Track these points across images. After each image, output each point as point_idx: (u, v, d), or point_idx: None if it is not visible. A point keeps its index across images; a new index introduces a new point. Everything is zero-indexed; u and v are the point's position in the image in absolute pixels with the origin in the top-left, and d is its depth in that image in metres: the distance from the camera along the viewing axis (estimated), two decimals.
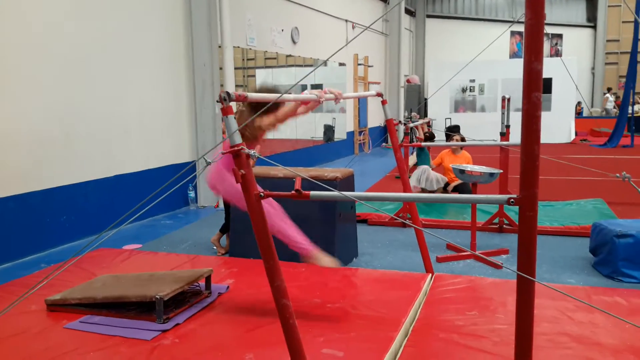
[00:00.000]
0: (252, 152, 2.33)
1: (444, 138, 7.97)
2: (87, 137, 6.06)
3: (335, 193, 2.41)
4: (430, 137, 8.44)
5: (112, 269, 4.40)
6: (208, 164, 2.47)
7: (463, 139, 8.01)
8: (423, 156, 8.20)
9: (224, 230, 5.37)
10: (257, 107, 3.03)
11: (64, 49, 5.74)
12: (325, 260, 3.47)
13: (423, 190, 7.44)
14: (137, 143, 6.82)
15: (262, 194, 2.34)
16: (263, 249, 2.37)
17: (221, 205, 5.97)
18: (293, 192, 2.40)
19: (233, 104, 2.35)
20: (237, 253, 4.92)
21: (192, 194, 7.66)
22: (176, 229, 6.42)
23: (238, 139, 2.26)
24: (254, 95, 2.67)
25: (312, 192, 2.41)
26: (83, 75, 5.98)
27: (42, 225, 5.58)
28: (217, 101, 2.18)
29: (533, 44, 1.88)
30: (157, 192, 2.55)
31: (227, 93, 2.23)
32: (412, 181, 7.47)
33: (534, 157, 1.92)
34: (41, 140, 5.53)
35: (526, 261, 1.96)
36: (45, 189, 5.59)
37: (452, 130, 7.87)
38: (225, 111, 2.25)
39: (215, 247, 5.39)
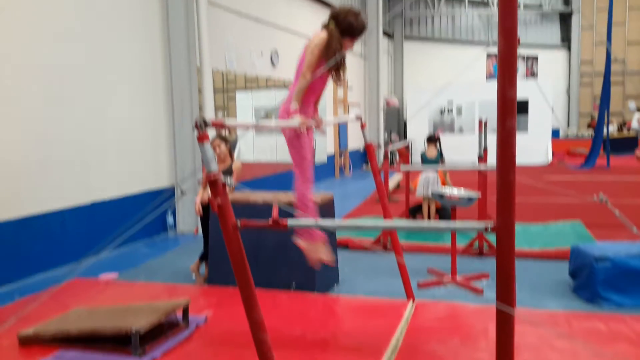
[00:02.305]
0: (228, 180, 2.30)
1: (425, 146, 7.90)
2: (63, 163, 5.96)
3: (312, 222, 2.38)
4: (432, 138, 8.17)
5: (87, 301, 4.29)
6: (183, 192, 2.43)
7: (440, 148, 7.91)
8: (429, 162, 7.81)
9: (203, 258, 5.28)
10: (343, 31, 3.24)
11: (39, 74, 5.67)
12: (323, 251, 3.31)
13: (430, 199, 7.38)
14: (115, 169, 6.72)
15: (238, 224, 2.31)
16: (240, 280, 2.33)
17: (200, 232, 5.88)
18: (270, 221, 2.37)
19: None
20: (216, 280, 4.84)
21: (170, 219, 7.56)
22: (154, 257, 6.31)
23: (214, 167, 2.22)
24: (231, 122, 2.65)
25: (290, 221, 2.38)
26: (59, 100, 5.90)
27: (16, 255, 5.44)
28: (193, 128, 2.14)
29: (506, 71, 1.88)
30: (135, 222, 2.50)
31: (204, 120, 2.19)
32: (420, 191, 7.46)
33: (510, 184, 1.92)
34: (16, 167, 5.41)
35: (505, 290, 1.95)
36: (19, 217, 5.46)
37: (431, 139, 7.85)
38: (201, 138, 2.21)
39: (194, 275, 5.29)
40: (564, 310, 4.11)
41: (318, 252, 3.28)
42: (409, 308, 3.90)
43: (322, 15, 13.19)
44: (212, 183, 2.19)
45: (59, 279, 5.21)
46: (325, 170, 13.87)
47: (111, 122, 6.65)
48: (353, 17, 3.28)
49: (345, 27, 3.26)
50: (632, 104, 21.18)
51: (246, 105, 11.10)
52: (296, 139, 3.33)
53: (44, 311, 3.92)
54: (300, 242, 3.25)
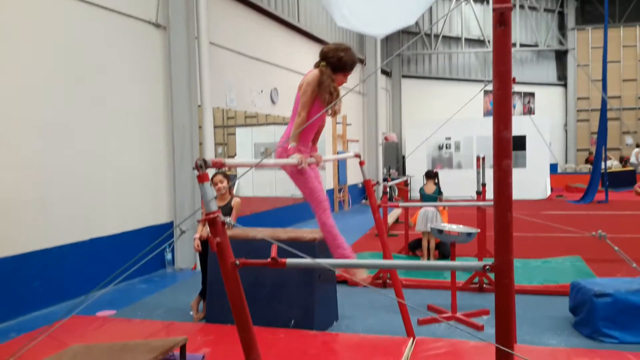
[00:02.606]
0: (227, 219, 2.32)
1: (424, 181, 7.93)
2: (63, 200, 5.98)
3: (311, 261, 2.38)
4: (430, 174, 8.14)
5: (84, 338, 4.25)
6: (183, 232, 2.45)
7: (437, 183, 7.88)
8: (428, 198, 7.77)
9: (203, 294, 5.25)
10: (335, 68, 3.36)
11: (41, 113, 5.75)
12: (360, 273, 3.57)
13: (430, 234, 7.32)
14: (114, 205, 6.74)
15: (237, 262, 2.32)
16: (238, 319, 2.32)
17: (199, 268, 5.87)
18: (269, 260, 2.37)
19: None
20: (214, 318, 4.80)
21: (169, 256, 7.54)
22: (152, 294, 6.27)
23: (214, 207, 2.24)
24: (230, 162, 2.68)
25: (289, 260, 2.38)
26: (60, 137, 5.96)
27: (14, 292, 5.41)
28: (193, 168, 2.17)
29: (502, 113, 1.92)
30: (134, 260, 2.51)
31: (204, 160, 2.22)
32: (419, 226, 7.42)
33: (507, 224, 1.93)
34: (15, 203, 5.43)
35: (504, 329, 1.94)
36: (18, 254, 5.45)
37: (429, 175, 7.87)
38: (201, 178, 2.24)
39: (192, 312, 5.25)
40: (564, 347, 4.08)
41: (356, 275, 3.50)
42: (409, 345, 3.87)
43: None
44: (212, 222, 2.20)
45: (57, 317, 5.17)
46: None
47: (111, 158, 6.70)
48: (342, 52, 3.38)
49: (335, 63, 3.36)
50: (629, 140, 21.36)
51: (246, 141, 11.18)
52: (299, 174, 3.39)
53: (42, 349, 3.88)
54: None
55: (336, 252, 3.43)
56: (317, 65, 3.42)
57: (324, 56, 3.40)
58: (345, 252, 3.42)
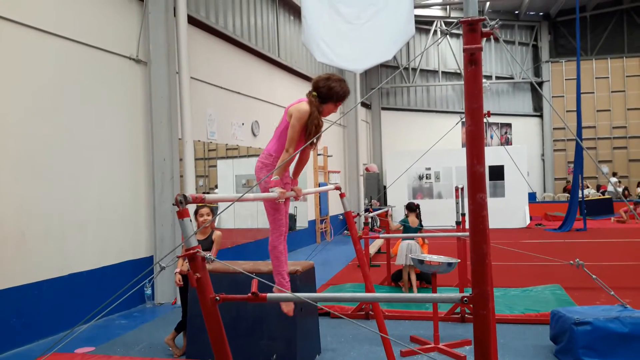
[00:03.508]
0: (207, 255, 2.32)
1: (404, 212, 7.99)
2: (42, 235, 5.90)
3: (292, 296, 2.39)
4: (412, 207, 8.15)
5: None
6: (162, 268, 2.45)
7: (419, 216, 7.92)
8: (411, 230, 7.71)
9: (179, 328, 5.18)
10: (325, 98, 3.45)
11: (20, 146, 5.71)
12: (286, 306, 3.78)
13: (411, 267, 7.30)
14: (94, 239, 6.67)
15: (217, 297, 2.31)
16: (218, 355, 2.31)
17: (178, 302, 5.80)
18: (250, 294, 2.38)
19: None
20: (194, 354, 4.73)
21: (148, 291, 7.44)
22: (131, 329, 6.17)
23: (194, 243, 2.25)
24: (211, 197, 2.70)
25: (269, 295, 2.39)
26: (39, 171, 5.91)
27: None
28: (173, 204, 2.19)
29: (474, 148, 1.97)
30: (115, 296, 2.49)
31: (184, 196, 2.24)
32: (400, 260, 7.40)
33: (483, 255, 1.97)
34: None
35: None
36: None
37: (411, 208, 7.90)
38: (181, 214, 2.25)
39: (170, 349, 5.17)
40: None
41: (284, 306, 3.72)
42: None
43: (301, 86, 13.63)
44: (192, 258, 2.21)
45: (35, 354, 5.06)
46: (307, 236, 13.87)
47: (91, 192, 6.65)
48: (334, 82, 3.45)
49: (326, 93, 3.42)
50: (605, 169, 21.79)
51: (227, 173, 11.18)
52: (274, 204, 3.52)
53: None
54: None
55: (276, 277, 3.67)
56: (308, 94, 3.49)
57: (315, 86, 3.47)
58: (283, 281, 3.65)
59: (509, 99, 23.10)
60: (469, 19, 1.88)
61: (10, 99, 5.63)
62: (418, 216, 7.85)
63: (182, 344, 5.17)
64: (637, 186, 20.18)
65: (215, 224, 5.54)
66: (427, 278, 7.50)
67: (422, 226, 7.86)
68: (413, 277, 7.43)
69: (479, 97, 1.93)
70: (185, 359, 4.86)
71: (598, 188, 21.44)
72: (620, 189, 18.95)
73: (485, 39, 1.93)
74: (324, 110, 3.49)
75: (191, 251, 2.22)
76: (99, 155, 6.81)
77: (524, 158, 16.06)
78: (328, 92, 3.45)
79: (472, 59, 1.87)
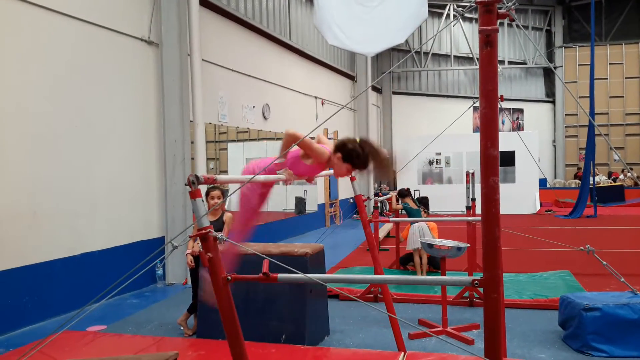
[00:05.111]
0: (219, 235, 2.34)
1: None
2: (53, 214, 5.97)
3: (302, 276, 2.41)
4: (403, 193, 8.20)
5: (75, 354, 4.23)
6: (175, 247, 2.47)
7: (413, 199, 8.02)
8: (415, 212, 7.83)
9: (191, 310, 5.24)
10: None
11: (33, 127, 5.75)
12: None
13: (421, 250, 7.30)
14: (105, 219, 6.73)
15: (229, 277, 2.34)
16: (229, 334, 2.34)
17: (189, 283, 5.86)
18: (261, 275, 2.40)
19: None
20: (205, 334, 4.79)
21: (160, 271, 7.52)
22: (142, 309, 6.25)
23: (205, 223, 2.27)
24: (222, 178, 2.71)
25: (280, 275, 2.41)
26: (51, 151, 5.96)
27: (3, 307, 5.37)
28: (185, 184, 2.20)
29: (488, 131, 1.96)
30: (127, 275, 2.52)
31: (196, 176, 2.25)
32: (410, 244, 7.43)
33: (495, 239, 1.97)
34: (5, 218, 5.42)
35: (493, 344, 1.97)
36: (7, 269, 5.42)
37: (402, 194, 7.95)
38: (193, 194, 2.26)
39: (182, 328, 5.24)
40: None
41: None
42: None
43: (312, 70, 13.57)
44: (204, 238, 2.23)
45: (47, 332, 5.14)
46: (316, 219, 13.91)
47: (103, 173, 6.70)
48: (361, 150, 3.08)
49: (347, 156, 3.13)
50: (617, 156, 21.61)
51: (238, 156, 11.21)
52: (264, 187, 3.57)
53: None
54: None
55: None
56: (336, 150, 3.19)
57: (341, 147, 3.15)
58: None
59: (521, 84, 22.89)
60: (485, 0, 1.86)
61: (23, 80, 5.66)
62: (413, 200, 7.93)
63: (193, 324, 5.24)
64: None
65: (226, 207, 5.55)
66: (435, 263, 7.52)
67: (427, 211, 7.91)
68: (424, 260, 7.44)
69: (494, 79, 1.91)
70: (196, 338, 4.92)
71: (609, 175, 21.28)
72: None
73: (498, 22, 1.91)
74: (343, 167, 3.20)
75: (203, 231, 2.24)
76: (110, 136, 6.84)
77: (535, 144, 15.92)
78: (349, 156, 3.12)
79: (488, 41, 1.86)
